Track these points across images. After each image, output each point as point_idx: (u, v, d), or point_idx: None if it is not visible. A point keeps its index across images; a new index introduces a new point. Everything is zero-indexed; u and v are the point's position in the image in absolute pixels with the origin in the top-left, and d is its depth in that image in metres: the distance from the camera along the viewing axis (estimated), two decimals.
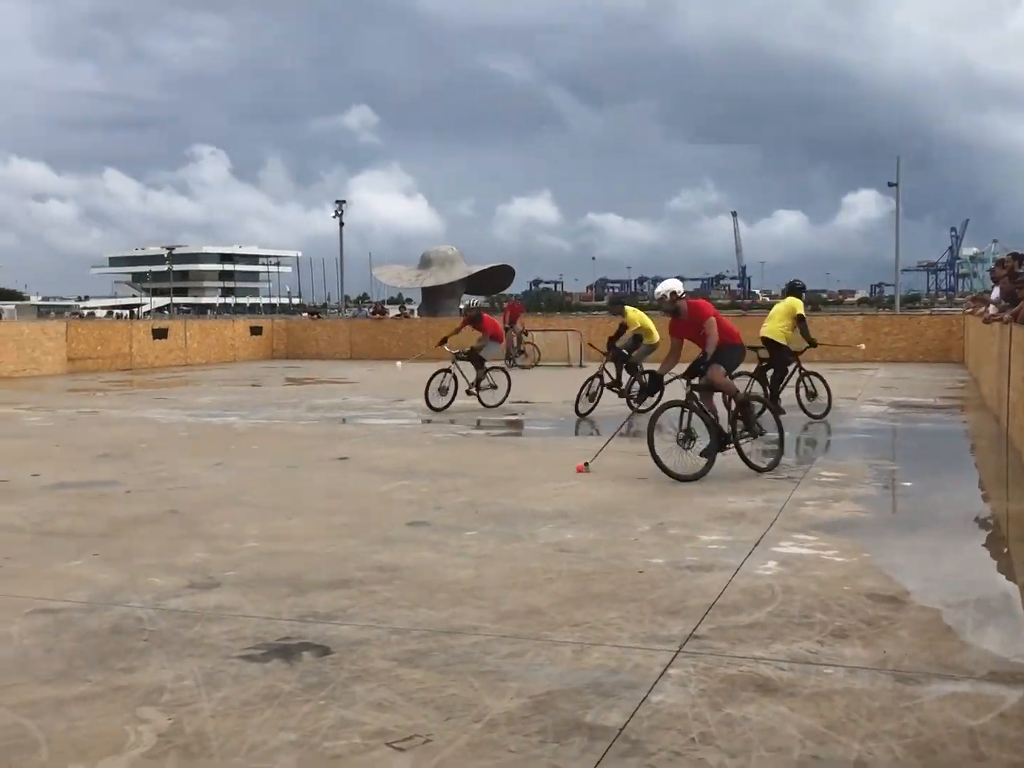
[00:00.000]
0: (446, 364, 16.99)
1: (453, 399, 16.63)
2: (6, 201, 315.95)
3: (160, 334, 31.42)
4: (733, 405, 10.25)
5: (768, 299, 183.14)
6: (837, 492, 9.09)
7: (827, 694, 4.31)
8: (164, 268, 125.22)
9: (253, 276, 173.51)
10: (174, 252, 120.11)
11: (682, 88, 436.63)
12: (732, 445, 10.07)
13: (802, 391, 15.30)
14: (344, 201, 72.66)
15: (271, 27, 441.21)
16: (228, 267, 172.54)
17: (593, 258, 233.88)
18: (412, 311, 66.59)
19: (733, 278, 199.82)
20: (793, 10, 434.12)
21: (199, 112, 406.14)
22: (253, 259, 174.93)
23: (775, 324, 14.96)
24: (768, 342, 14.86)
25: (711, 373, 10.02)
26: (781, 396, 14.64)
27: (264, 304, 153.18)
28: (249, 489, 9.44)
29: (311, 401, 18.58)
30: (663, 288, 10.29)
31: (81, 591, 5.93)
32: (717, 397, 10.29)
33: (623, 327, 16.22)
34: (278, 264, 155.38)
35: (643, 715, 4.09)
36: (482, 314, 18.32)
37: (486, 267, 59.77)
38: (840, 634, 5.09)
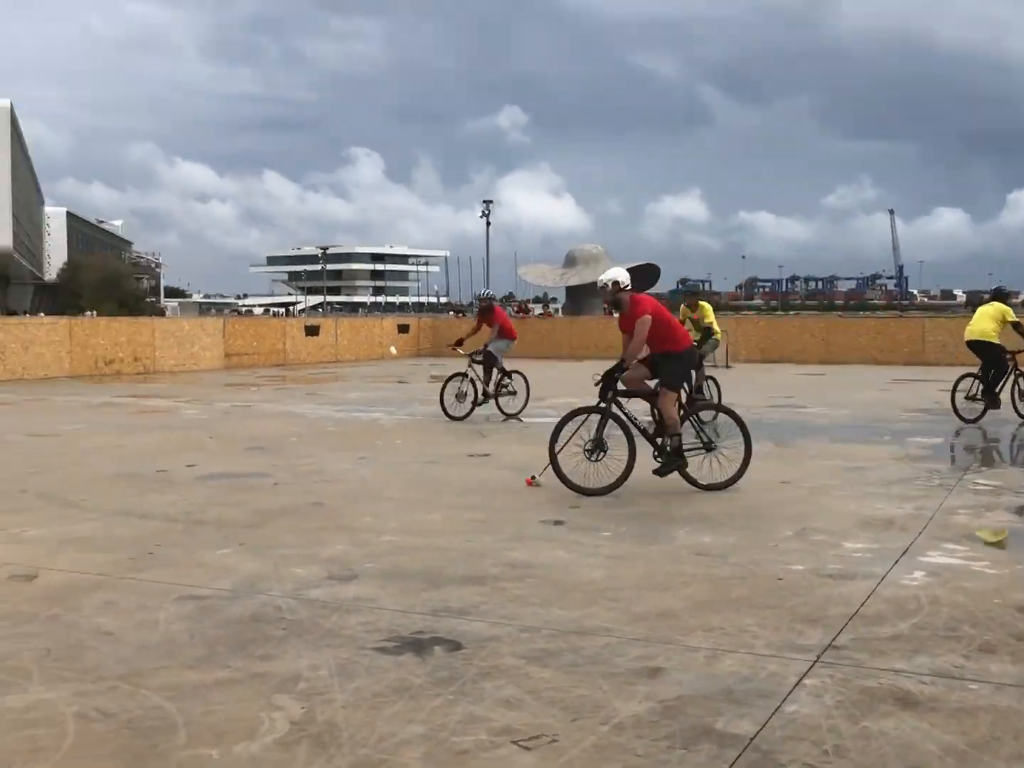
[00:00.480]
0: (463, 368, 15.71)
1: (476, 406, 15.28)
2: (172, 202, 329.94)
3: (312, 331, 32.27)
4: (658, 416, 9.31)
5: (926, 300, 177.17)
6: (991, 501, 8.71)
7: (971, 711, 4.12)
8: (318, 267, 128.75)
9: (403, 275, 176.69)
10: (328, 252, 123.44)
11: (837, 82, 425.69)
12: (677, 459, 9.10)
13: (1016, 391, 14.85)
14: (491, 201, 73.45)
15: (424, 29, 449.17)
16: (379, 267, 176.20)
17: (743, 257, 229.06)
18: (556, 310, 66.69)
19: (889, 278, 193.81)
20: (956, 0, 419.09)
21: (354, 114, 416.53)
22: (403, 259, 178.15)
23: (983, 325, 14.64)
24: (978, 344, 14.67)
25: (662, 403, 9.11)
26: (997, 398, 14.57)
27: (412, 303, 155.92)
28: (391, 483, 9.60)
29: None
30: (605, 277, 9.31)
31: (226, 579, 6.12)
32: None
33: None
34: (427, 264, 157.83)
35: (776, 725, 3.98)
36: (493, 306, 16.67)
37: (631, 266, 59.46)
38: (988, 649, 4.86)
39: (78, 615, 5.40)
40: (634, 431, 9.10)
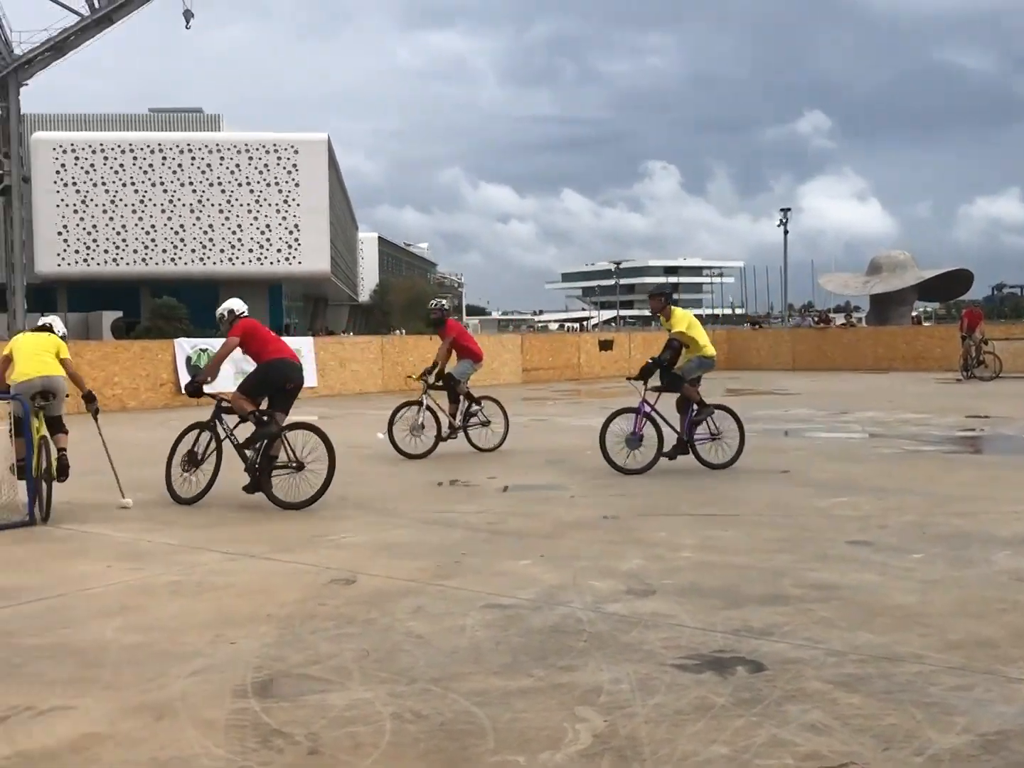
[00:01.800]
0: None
1: (441, 440, 12.89)
2: (475, 223, 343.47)
3: (606, 346, 32.64)
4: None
5: None
6: None
7: None
8: (612, 282, 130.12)
9: (696, 287, 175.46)
10: (621, 267, 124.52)
11: None
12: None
13: None
14: (789, 209, 71.72)
15: (718, 39, 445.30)
16: (672, 279, 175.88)
17: None
18: (859, 320, 64.18)
19: None
20: None
21: (650, 129, 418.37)
22: (697, 271, 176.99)
23: None
24: None
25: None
26: None
27: (707, 315, 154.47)
28: (686, 498, 9.54)
29: (751, 412, 18.43)
30: (222, 308, 9.95)
31: (527, 589, 6.28)
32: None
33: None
34: (721, 275, 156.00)
35: None
36: (447, 319, 13.62)
37: (941, 272, 56.28)
38: None
39: (392, 619, 5.71)
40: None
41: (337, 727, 4.17)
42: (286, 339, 26.44)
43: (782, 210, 71.47)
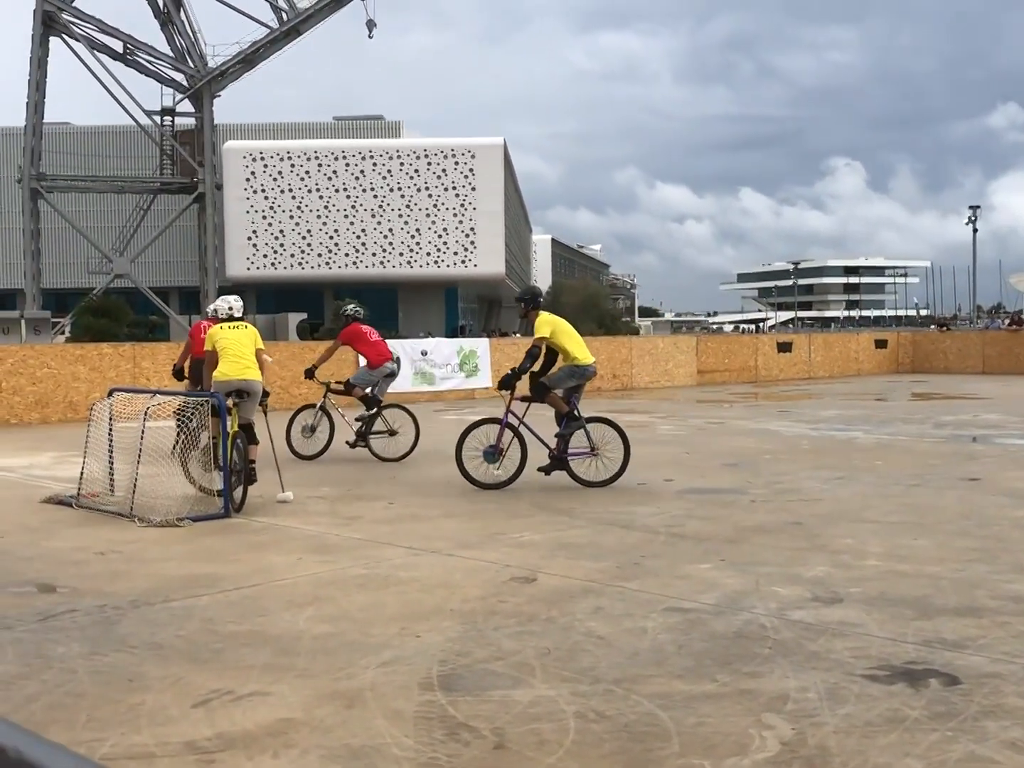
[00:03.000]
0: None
1: (329, 444, 12.90)
2: (650, 223, 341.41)
3: (784, 348, 31.93)
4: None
5: None
6: None
7: None
8: (789, 283, 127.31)
9: (879, 288, 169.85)
10: (799, 267, 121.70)
11: None
12: None
13: None
14: (978, 206, 68.78)
15: (903, 33, 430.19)
16: (853, 280, 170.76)
17: None
18: None
19: None
20: None
21: (831, 125, 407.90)
22: (879, 271, 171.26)
23: None
24: None
25: None
26: None
27: (889, 316, 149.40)
28: (871, 505, 9.26)
29: (938, 417, 17.75)
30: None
31: (709, 593, 6.22)
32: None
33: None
34: (905, 275, 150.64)
35: None
36: (354, 323, 13.36)
37: None
38: None
39: (572, 618, 5.74)
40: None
41: (521, 723, 4.23)
42: (461, 340, 26.87)
43: (971, 207, 68.64)
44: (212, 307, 10.28)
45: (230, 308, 10.35)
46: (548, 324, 10.88)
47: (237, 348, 9.95)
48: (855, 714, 4.25)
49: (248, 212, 63.88)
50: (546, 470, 10.76)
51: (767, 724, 4.16)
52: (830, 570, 6.78)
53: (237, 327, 10.20)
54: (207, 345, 10.18)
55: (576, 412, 10.85)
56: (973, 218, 68.87)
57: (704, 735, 4.07)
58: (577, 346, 10.96)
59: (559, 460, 10.82)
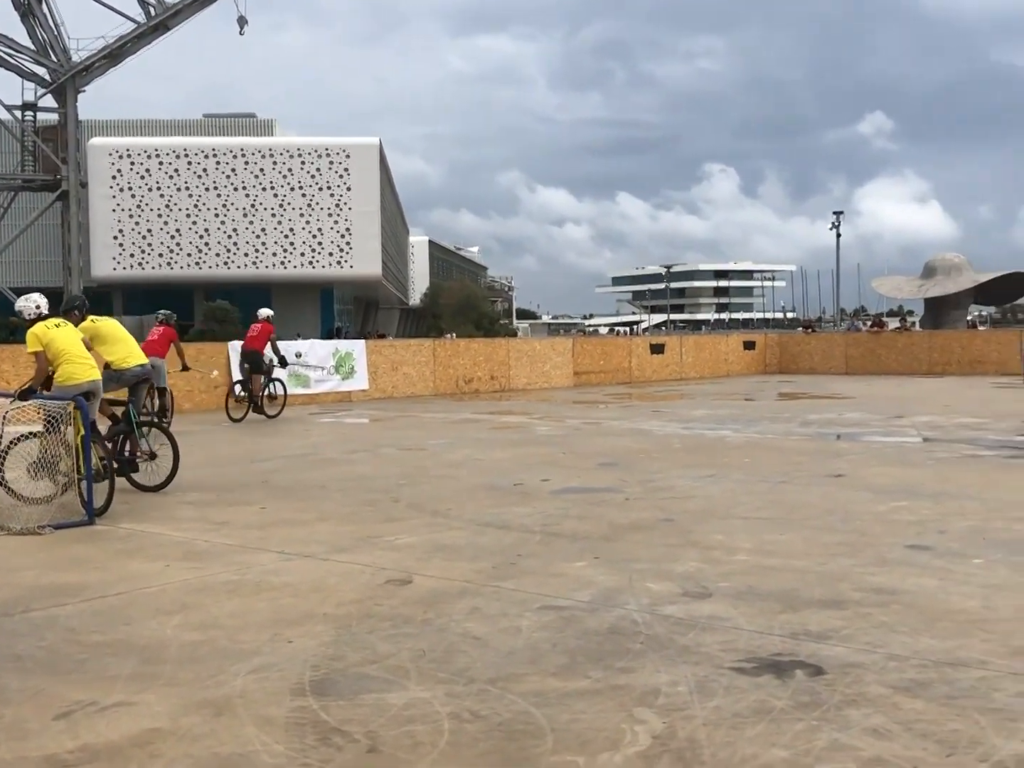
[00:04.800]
0: None
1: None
2: (530, 226, 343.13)
3: (657, 349, 32.51)
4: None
5: None
6: None
7: None
8: (662, 286, 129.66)
9: (747, 291, 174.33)
10: (672, 270, 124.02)
11: None
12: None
13: None
14: (841, 212, 71.21)
15: (771, 42, 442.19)
16: (723, 283, 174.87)
17: None
18: (913, 323, 63.41)
19: None
20: None
21: (703, 132, 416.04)
22: (748, 275, 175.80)
23: None
24: None
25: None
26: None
27: (758, 319, 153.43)
28: (741, 501, 9.48)
29: (804, 416, 18.29)
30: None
31: (583, 591, 6.27)
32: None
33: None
34: (772, 279, 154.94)
35: None
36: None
37: (997, 275, 55.44)
38: None
39: (448, 619, 5.72)
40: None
41: (396, 726, 4.19)
42: (336, 342, 26.56)
43: (835, 213, 71.01)
44: (18, 307, 9.76)
45: (38, 307, 9.81)
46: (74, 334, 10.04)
47: (76, 348, 9.68)
48: (724, 706, 4.33)
49: (114, 211, 62.16)
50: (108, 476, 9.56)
51: (639, 718, 4.20)
52: (701, 565, 6.91)
53: (61, 325, 9.84)
54: (33, 346, 9.57)
55: (132, 416, 10.67)
56: (837, 223, 71.23)
57: (577, 731, 4.09)
58: (118, 351, 11.05)
59: (121, 464, 10.46)
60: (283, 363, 19.81)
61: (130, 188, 62.70)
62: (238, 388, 19.72)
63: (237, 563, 7.23)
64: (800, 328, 61.68)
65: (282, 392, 19.98)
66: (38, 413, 9.35)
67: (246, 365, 19.54)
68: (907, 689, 4.50)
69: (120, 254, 62.77)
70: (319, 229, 63.87)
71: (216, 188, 63.24)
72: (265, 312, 19.87)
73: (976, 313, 71.89)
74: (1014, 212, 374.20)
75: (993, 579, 6.44)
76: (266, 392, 19.49)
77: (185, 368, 17.29)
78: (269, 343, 19.43)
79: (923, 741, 3.94)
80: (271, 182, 63.46)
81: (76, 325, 10.46)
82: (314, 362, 24.02)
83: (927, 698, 4.39)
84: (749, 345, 36.08)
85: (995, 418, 17.22)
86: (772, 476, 11.06)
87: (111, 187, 62.23)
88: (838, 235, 71.14)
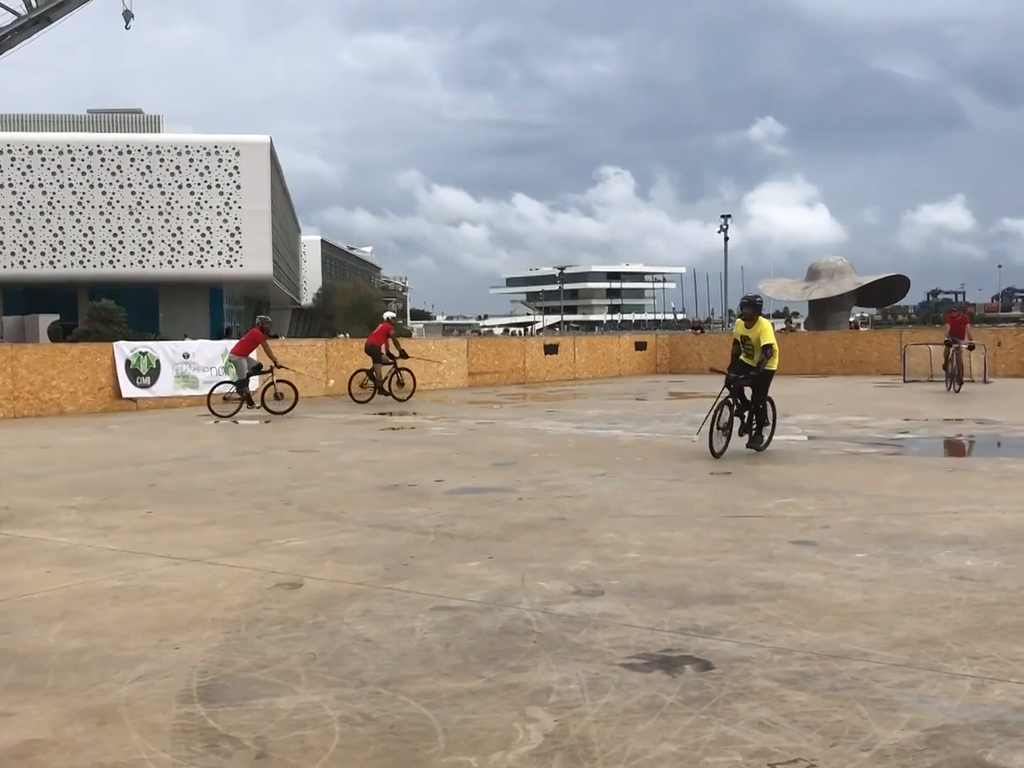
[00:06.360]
0: None
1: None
2: (427, 226, 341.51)
3: (551, 350, 32.72)
4: None
5: None
6: None
7: None
8: (556, 287, 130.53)
9: (639, 293, 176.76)
10: (565, 272, 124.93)
11: None
12: None
13: None
14: (729, 216, 72.56)
15: (661, 45, 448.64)
16: (615, 285, 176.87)
17: (999, 266, 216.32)
18: (798, 325, 65.00)
19: None
20: None
21: (597, 134, 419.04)
22: (639, 276, 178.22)
23: None
24: None
25: None
26: None
27: (649, 320, 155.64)
28: (632, 500, 9.59)
29: (694, 415, 18.55)
30: None
31: (477, 591, 6.27)
32: None
33: None
34: (663, 281, 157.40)
35: None
36: None
37: (878, 278, 57.20)
38: None
39: (340, 622, 5.66)
40: None
41: (285, 731, 4.13)
42: (226, 342, 26.05)
43: (723, 216, 72.34)
44: None
45: None
46: None
47: None
48: (615, 703, 4.37)
49: None
50: None
51: (531, 717, 4.22)
52: (593, 563, 6.97)
53: None
54: None
55: None
56: (725, 227, 72.55)
57: (470, 731, 4.09)
58: None
59: None
60: (403, 355, 23.26)
61: (10, 184, 60.74)
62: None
63: (122, 568, 7.05)
64: (690, 329, 62.75)
65: (411, 381, 23.50)
66: None
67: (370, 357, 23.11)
68: (792, 682, 4.60)
69: (0, 252, 60.76)
70: (208, 228, 62.68)
71: (101, 185, 61.62)
72: (388, 314, 25.57)
73: (858, 315, 73.96)
74: (898, 216, 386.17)
75: (875, 573, 6.63)
76: (395, 379, 23.05)
77: (277, 367, 19.87)
78: (388, 338, 23.17)
79: (808, 732, 4.04)
80: (158, 179, 62.09)
81: None
82: (203, 363, 23.55)
83: (811, 690, 4.50)
84: (641, 346, 36.55)
85: (877, 417, 17.74)
86: (663, 474, 11.22)
87: None
88: (726, 238, 72.51)
